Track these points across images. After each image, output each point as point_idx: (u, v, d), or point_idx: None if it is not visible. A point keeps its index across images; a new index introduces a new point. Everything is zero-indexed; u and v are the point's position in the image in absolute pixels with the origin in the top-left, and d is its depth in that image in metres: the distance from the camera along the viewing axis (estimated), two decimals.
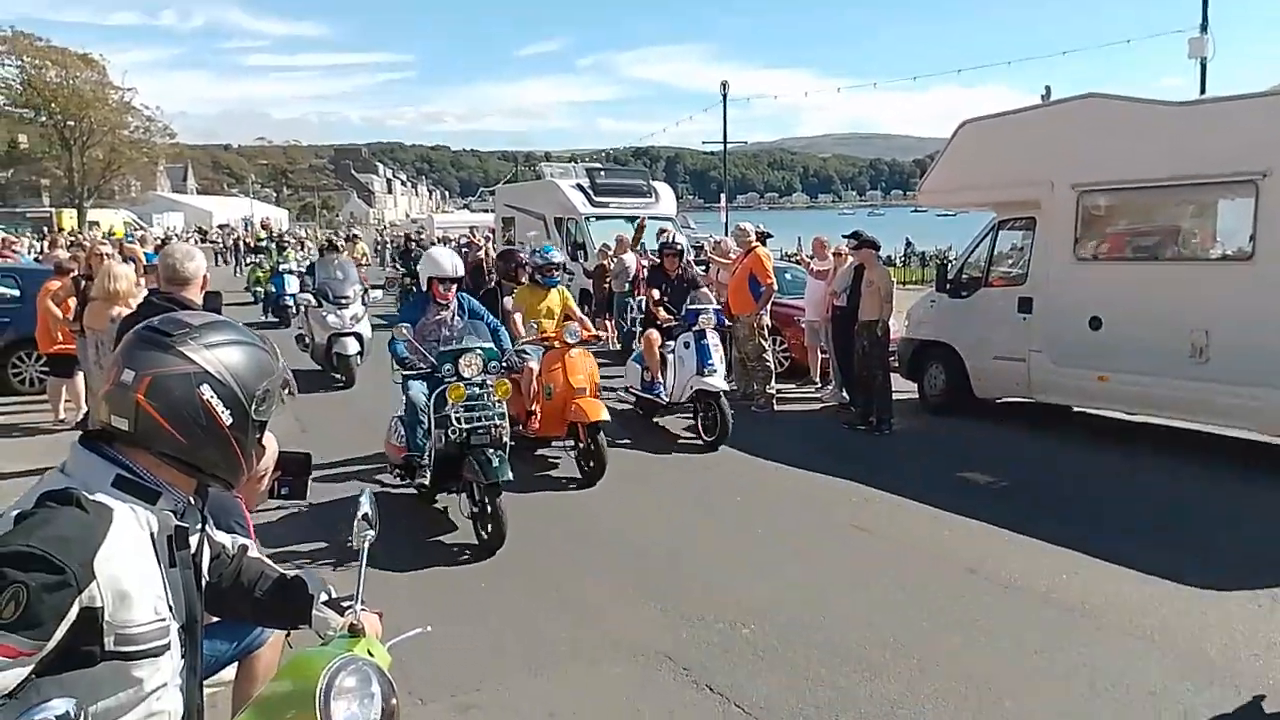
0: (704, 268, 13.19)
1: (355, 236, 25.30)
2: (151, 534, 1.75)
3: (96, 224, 51.78)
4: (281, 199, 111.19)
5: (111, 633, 1.64)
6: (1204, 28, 17.62)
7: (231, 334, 1.90)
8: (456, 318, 7.00)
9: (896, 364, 10.61)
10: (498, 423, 6.25)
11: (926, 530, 6.54)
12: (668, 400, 9.47)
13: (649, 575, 5.71)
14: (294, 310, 17.06)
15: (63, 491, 1.67)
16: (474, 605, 5.25)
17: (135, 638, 1.68)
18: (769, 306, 10.78)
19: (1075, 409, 9.84)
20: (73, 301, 9.23)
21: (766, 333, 10.76)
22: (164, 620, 1.74)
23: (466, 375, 6.24)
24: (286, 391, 2.02)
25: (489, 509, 5.97)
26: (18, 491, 1.79)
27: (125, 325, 3.96)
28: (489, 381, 6.30)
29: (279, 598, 2.26)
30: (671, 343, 9.50)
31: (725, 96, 31.87)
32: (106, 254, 9.77)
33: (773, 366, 10.84)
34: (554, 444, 8.34)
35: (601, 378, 8.44)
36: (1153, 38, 25.04)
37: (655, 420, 9.92)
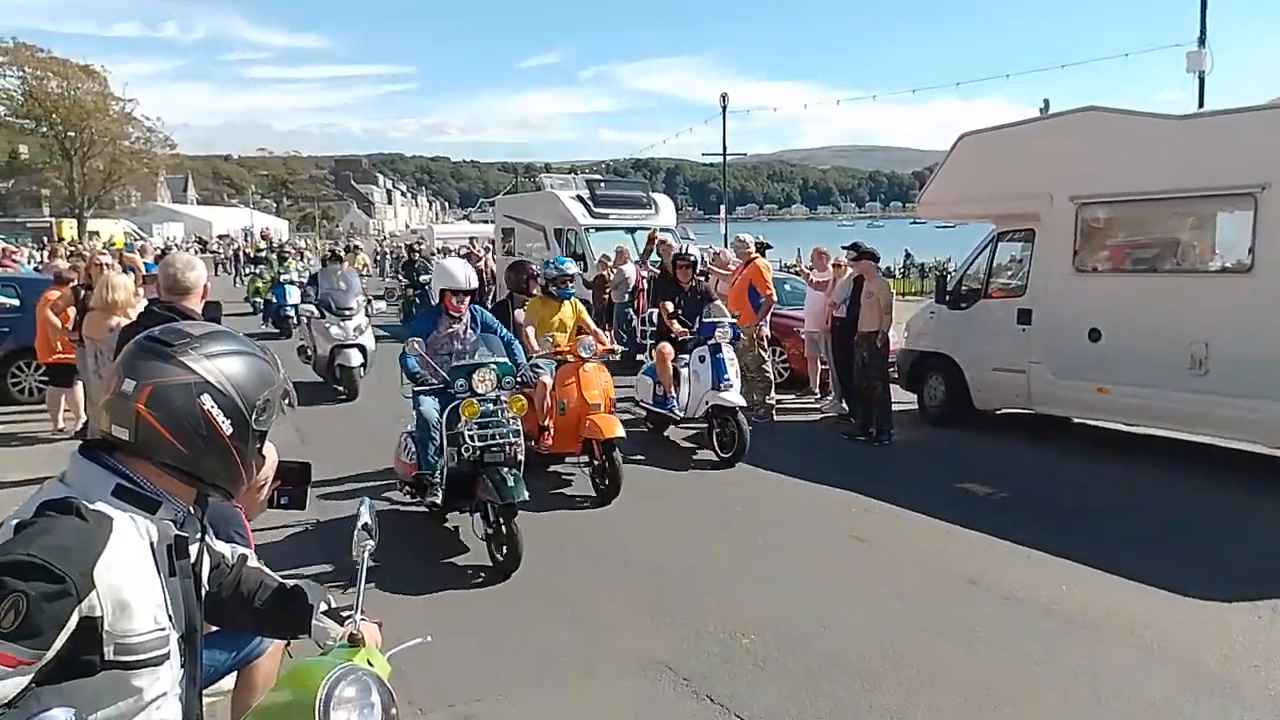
0: (703, 278, 13.18)
1: (356, 247, 25.40)
2: (151, 543, 1.75)
3: (97, 234, 51.83)
4: (281, 209, 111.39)
5: (111, 642, 1.64)
6: (1202, 41, 17.66)
7: (232, 344, 1.90)
8: (469, 331, 6.82)
9: (896, 375, 10.61)
10: (513, 440, 6.06)
11: (927, 541, 6.53)
12: (681, 415, 9.24)
13: (660, 590, 5.65)
14: (295, 321, 17.05)
15: (62, 501, 1.67)
16: (480, 619, 5.22)
17: (135, 647, 1.67)
18: (768, 317, 10.78)
19: (1075, 420, 9.84)
20: (72, 311, 9.25)
21: (766, 343, 10.76)
22: (163, 630, 1.73)
23: (480, 391, 6.06)
24: (286, 402, 2.02)
25: (504, 530, 5.78)
26: (17, 501, 1.78)
27: (127, 334, 3.97)
28: (503, 398, 6.12)
29: (278, 607, 2.26)
30: (685, 356, 9.28)
31: (725, 108, 31.92)
32: (106, 264, 9.80)
33: (772, 377, 10.84)
34: (567, 460, 8.16)
35: None
36: (1151, 51, 25.18)
37: (665, 434, 9.76)
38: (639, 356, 12.58)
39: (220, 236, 64.12)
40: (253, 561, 2.37)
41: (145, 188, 70.84)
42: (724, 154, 34.15)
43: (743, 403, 8.93)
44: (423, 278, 19.91)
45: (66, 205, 57.60)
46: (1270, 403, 7.44)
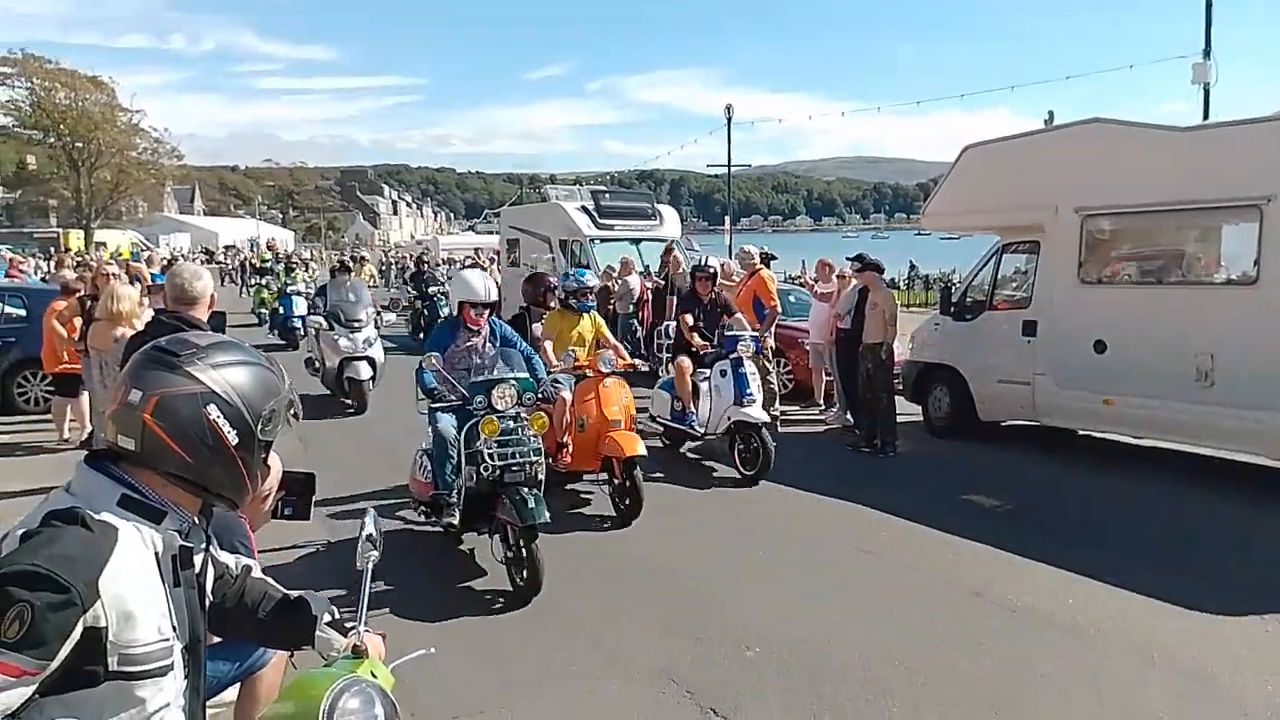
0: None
1: (363, 258, 25.35)
2: (156, 553, 1.76)
3: (104, 244, 52.02)
4: (287, 220, 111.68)
5: (115, 652, 1.64)
6: (1207, 53, 17.69)
7: (238, 354, 1.91)
8: (488, 345, 6.55)
9: (901, 386, 10.61)
10: (533, 459, 5.79)
11: (932, 553, 6.51)
12: (702, 431, 8.96)
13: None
14: (301, 332, 16.92)
15: (68, 511, 1.68)
16: (487, 632, 5.20)
17: (139, 658, 1.68)
18: (773, 329, 10.78)
19: (1080, 432, 9.82)
20: (78, 321, 9.27)
21: (770, 355, 10.75)
22: (168, 640, 1.74)
23: (500, 408, 5.82)
24: (292, 412, 2.02)
25: (524, 554, 5.50)
26: (22, 510, 1.79)
27: (133, 344, 3.98)
28: (524, 414, 5.89)
29: (282, 618, 2.26)
30: (704, 370, 9.02)
31: (730, 120, 32.02)
32: (112, 274, 9.83)
33: (777, 388, 10.83)
34: (585, 478, 7.83)
35: None
36: (1156, 63, 25.24)
37: (683, 450, 9.56)
38: (642, 367, 12.54)
39: (226, 247, 64.26)
40: (256, 572, 2.37)
41: (152, 198, 71.14)
42: (729, 165, 34.24)
43: (766, 418, 8.67)
44: (431, 289, 20.04)
45: (73, 216, 57.86)
46: (1276, 414, 7.42)
